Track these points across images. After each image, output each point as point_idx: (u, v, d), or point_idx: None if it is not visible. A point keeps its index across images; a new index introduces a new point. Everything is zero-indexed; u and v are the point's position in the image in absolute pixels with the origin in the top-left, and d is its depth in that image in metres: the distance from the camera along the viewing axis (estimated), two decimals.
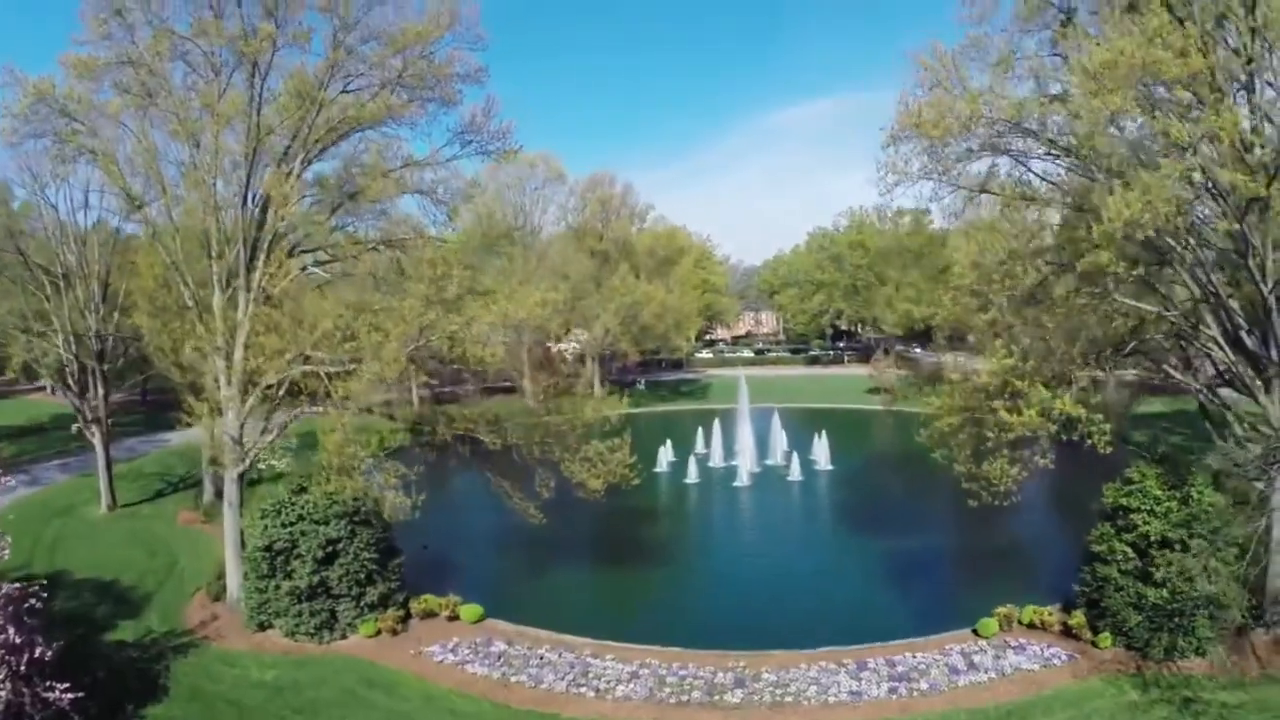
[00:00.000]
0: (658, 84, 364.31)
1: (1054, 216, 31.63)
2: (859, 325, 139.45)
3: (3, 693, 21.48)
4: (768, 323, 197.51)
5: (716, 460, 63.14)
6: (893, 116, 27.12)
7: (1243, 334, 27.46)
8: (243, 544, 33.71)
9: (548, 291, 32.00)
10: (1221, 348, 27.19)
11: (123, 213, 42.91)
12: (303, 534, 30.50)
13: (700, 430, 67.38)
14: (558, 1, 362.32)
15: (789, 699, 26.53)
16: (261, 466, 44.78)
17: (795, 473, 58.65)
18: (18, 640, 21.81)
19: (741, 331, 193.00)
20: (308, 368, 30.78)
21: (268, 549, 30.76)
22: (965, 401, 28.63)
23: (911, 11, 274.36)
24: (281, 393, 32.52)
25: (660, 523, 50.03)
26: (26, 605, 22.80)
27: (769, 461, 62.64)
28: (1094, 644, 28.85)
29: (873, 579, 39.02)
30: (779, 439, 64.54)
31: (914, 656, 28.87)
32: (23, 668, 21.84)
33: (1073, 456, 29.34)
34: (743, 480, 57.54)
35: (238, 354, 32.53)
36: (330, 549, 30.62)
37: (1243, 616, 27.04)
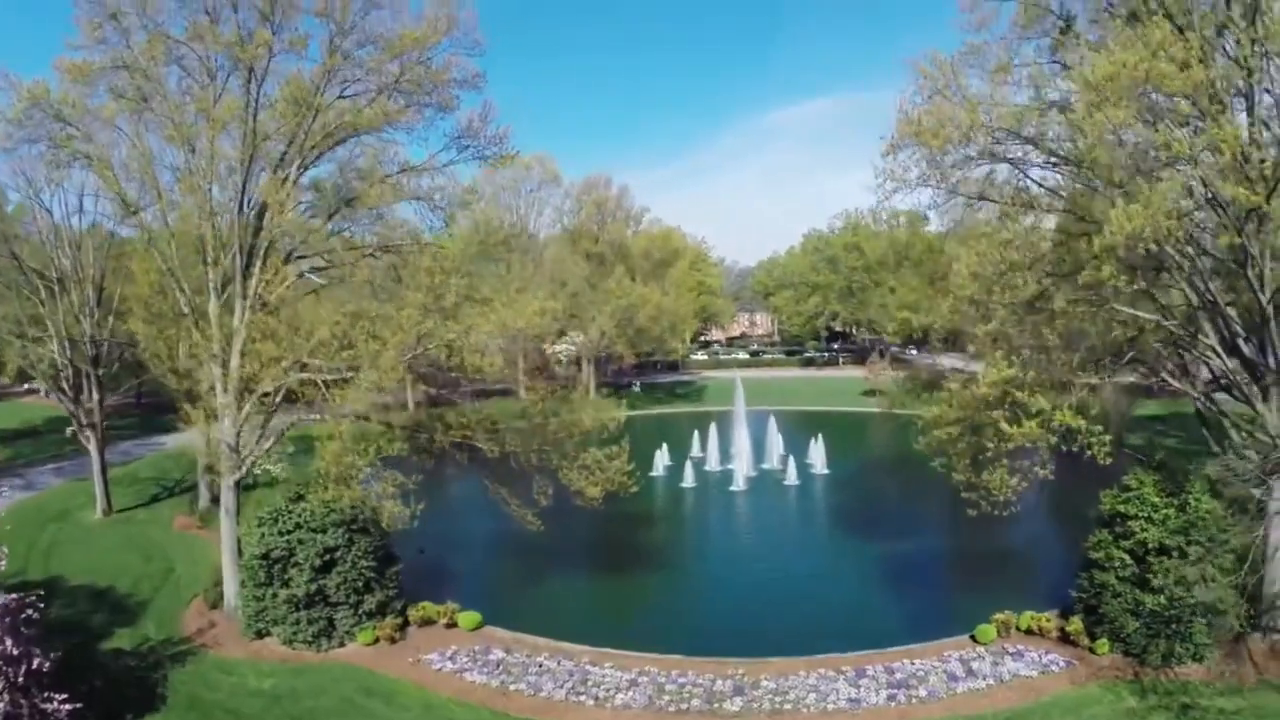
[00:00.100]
0: (653, 83, 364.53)
1: (1051, 222, 31.75)
2: (854, 327, 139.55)
3: (1, 704, 21.36)
4: (762, 324, 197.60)
5: (713, 464, 63.24)
6: (890, 119, 27.26)
7: (1240, 341, 27.55)
8: (239, 551, 33.58)
9: (546, 300, 31.88)
10: (1219, 355, 27.27)
11: (118, 217, 42.77)
12: (300, 542, 30.40)
13: (696, 433, 67.42)
14: (553, 1, 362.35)
15: (788, 706, 26.52)
16: (257, 472, 44.62)
17: (792, 477, 58.70)
18: (15, 651, 21.67)
19: (736, 333, 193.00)
20: (305, 375, 30.68)
21: (265, 557, 30.65)
22: (964, 411, 28.65)
23: (909, 11, 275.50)
24: (278, 400, 32.43)
25: (657, 528, 49.99)
26: (23, 615, 22.69)
27: (765, 465, 62.65)
28: (1092, 650, 28.92)
29: (870, 584, 39.07)
30: (775, 442, 64.55)
31: (912, 663, 28.90)
32: (21, 679, 21.70)
33: (1070, 463, 29.40)
34: (739, 484, 57.50)
35: (234, 361, 32.40)
36: (328, 557, 30.53)
37: (1240, 623, 27.13)
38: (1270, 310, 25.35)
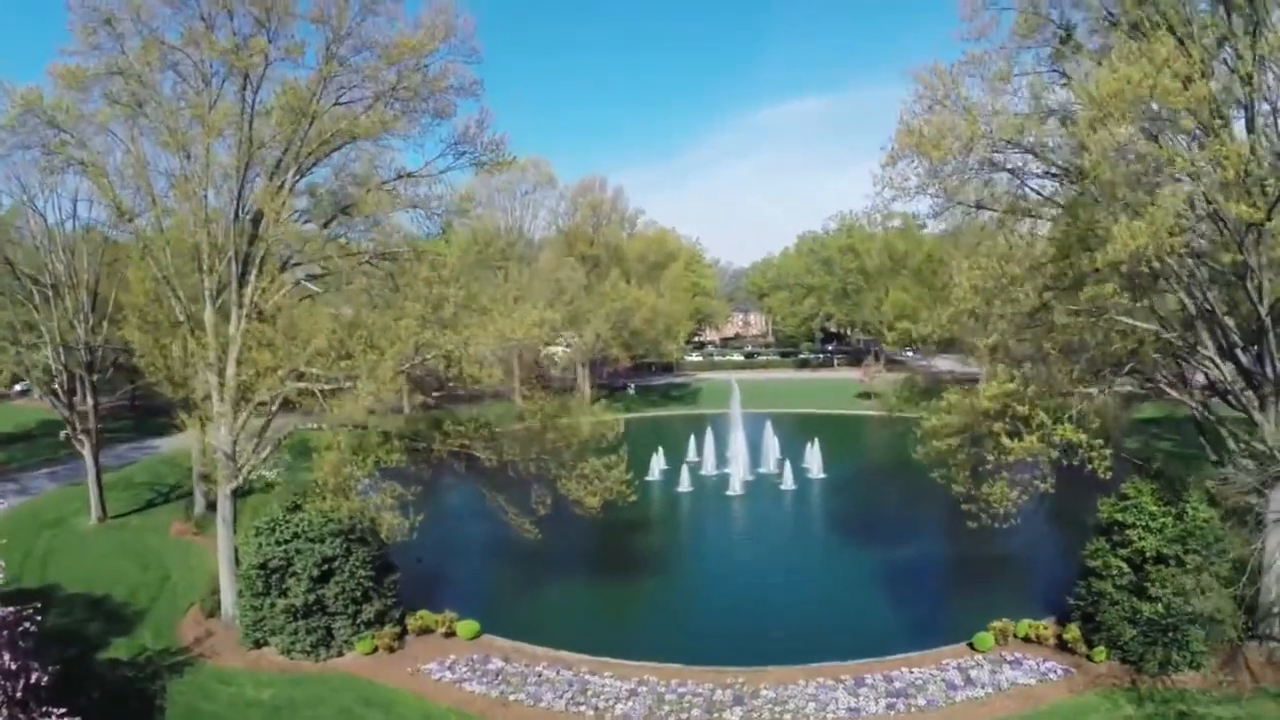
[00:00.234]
0: (645, 81, 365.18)
1: (1048, 229, 31.78)
2: (848, 328, 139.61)
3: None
4: (756, 324, 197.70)
5: (709, 468, 63.05)
6: (884, 118, 28.69)
7: (1238, 351, 27.65)
8: (236, 560, 33.45)
9: (545, 311, 31.79)
10: (1217, 366, 27.36)
11: (112, 223, 42.57)
12: (298, 552, 30.30)
13: (692, 437, 67.32)
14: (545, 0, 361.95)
15: (787, 716, 26.56)
16: (253, 477, 44.44)
17: (788, 481, 58.56)
18: (14, 666, 21.54)
19: (730, 333, 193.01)
20: (302, 385, 30.57)
21: (263, 567, 30.53)
22: (966, 416, 28.69)
23: (903, 10, 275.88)
24: (275, 409, 32.31)
25: (654, 534, 49.87)
26: (21, 629, 22.56)
27: (762, 469, 62.65)
28: (1089, 658, 29.03)
29: (867, 591, 39.07)
30: (771, 446, 64.50)
31: (911, 672, 28.95)
32: (19, 694, 21.58)
33: (1069, 470, 29.49)
34: (736, 489, 57.40)
35: (230, 369, 32.26)
36: (326, 567, 30.45)
37: (1236, 632, 27.23)
38: (1268, 321, 25.45)
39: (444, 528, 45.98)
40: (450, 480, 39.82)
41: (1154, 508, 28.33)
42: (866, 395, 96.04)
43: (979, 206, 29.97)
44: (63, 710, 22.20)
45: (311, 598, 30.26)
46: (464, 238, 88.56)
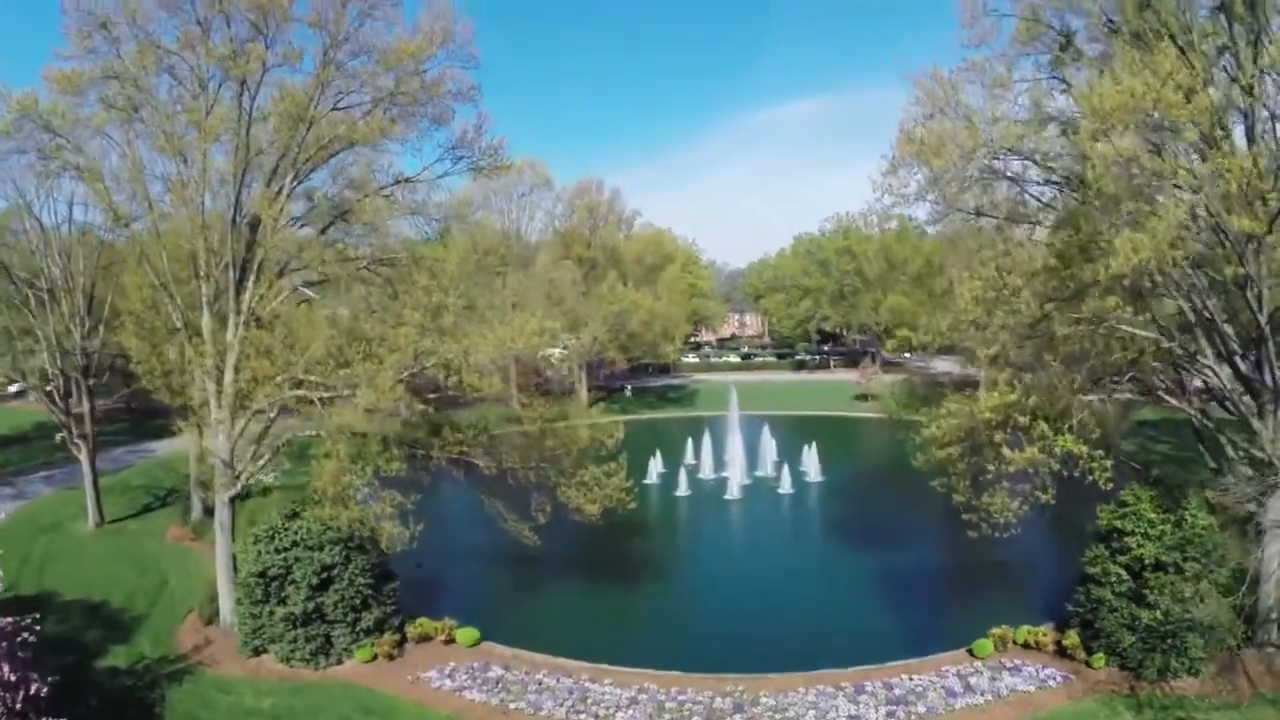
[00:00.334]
0: (642, 82, 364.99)
1: (1047, 235, 31.80)
2: (845, 329, 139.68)
3: None
4: (753, 324, 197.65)
5: (707, 471, 62.70)
6: (881, 120, 28.35)
7: (1236, 358, 27.69)
8: (235, 567, 33.34)
9: (545, 320, 31.72)
10: (1216, 373, 27.40)
11: (108, 227, 42.42)
12: (297, 560, 30.21)
13: (690, 440, 67.18)
14: (543, 1, 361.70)
15: None
16: (250, 481, 44.33)
17: (786, 485, 58.32)
18: (13, 677, 21.48)
19: (727, 334, 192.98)
20: (300, 392, 30.47)
21: (262, 575, 30.43)
22: (967, 421, 28.69)
23: (901, 13, 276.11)
24: (274, 415, 32.20)
25: (653, 539, 49.76)
26: (20, 639, 22.48)
27: (759, 473, 62.47)
28: (1088, 664, 29.05)
29: (867, 596, 39.04)
30: (769, 449, 64.38)
31: (910, 679, 28.96)
32: (19, 705, 21.51)
33: (1067, 477, 29.54)
34: (734, 493, 57.28)
35: (228, 377, 32.14)
36: (325, 575, 30.36)
37: (1235, 639, 27.29)
38: (1268, 330, 25.50)
39: (443, 534, 45.77)
40: (449, 487, 39.72)
41: (1153, 515, 28.37)
42: (864, 397, 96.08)
43: (979, 214, 30.00)
44: None
45: (311, 605, 30.17)
46: (463, 244, 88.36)
